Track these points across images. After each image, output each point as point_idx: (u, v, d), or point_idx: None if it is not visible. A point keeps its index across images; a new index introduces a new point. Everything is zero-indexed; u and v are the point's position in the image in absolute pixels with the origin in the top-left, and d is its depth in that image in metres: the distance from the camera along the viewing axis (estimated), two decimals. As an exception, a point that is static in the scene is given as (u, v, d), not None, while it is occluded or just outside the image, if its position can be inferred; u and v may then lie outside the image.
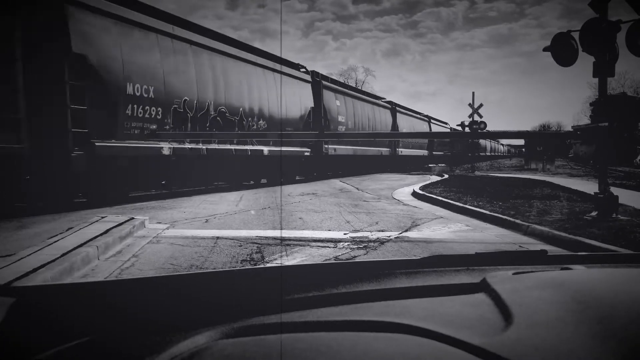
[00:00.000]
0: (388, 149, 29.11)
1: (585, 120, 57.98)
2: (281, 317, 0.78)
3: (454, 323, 0.72)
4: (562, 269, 1.03)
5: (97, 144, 9.49)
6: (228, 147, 13.68)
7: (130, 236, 6.42)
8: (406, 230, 7.21)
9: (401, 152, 31.02)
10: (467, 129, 27.42)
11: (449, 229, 7.46)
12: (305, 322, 0.75)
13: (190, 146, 12.22)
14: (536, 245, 6.17)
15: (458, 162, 38.09)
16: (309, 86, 19.70)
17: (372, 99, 29.35)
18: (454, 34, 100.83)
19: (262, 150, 15.35)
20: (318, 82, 20.66)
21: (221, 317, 0.77)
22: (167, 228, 7.24)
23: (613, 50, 7.77)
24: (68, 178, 9.23)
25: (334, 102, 22.06)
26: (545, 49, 8.29)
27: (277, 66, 16.95)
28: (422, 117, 39.34)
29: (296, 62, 20.01)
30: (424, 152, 37.32)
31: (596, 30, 7.57)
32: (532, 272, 0.96)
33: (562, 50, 8.05)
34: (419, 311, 0.78)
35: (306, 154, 18.68)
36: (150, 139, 10.89)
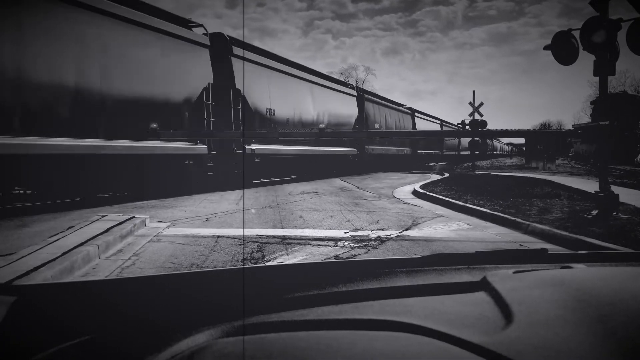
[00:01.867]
0: (349, 147, 22.96)
1: (586, 119, 57.97)
2: (281, 316, 0.78)
3: (454, 321, 0.72)
4: (563, 267, 1.03)
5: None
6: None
7: (131, 235, 6.43)
8: (407, 229, 7.20)
9: (372, 149, 25.15)
10: (467, 127, 27.25)
11: (449, 228, 7.46)
12: (306, 320, 0.75)
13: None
14: (537, 243, 6.16)
15: (453, 162, 36.51)
16: (205, 53, 13.32)
17: (329, 82, 22.34)
18: (453, 32, 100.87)
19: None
20: (225, 49, 14.07)
21: (222, 315, 0.77)
22: (168, 227, 7.25)
23: (614, 48, 7.76)
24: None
25: (258, 80, 15.66)
26: (545, 48, 8.27)
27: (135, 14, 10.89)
28: (402, 109, 32.30)
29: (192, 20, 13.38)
30: (405, 151, 31.24)
31: (597, 29, 7.55)
32: (532, 270, 0.97)
33: (562, 49, 8.04)
34: (420, 310, 0.78)
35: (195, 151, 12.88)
36: (151, 137, 10.67)
